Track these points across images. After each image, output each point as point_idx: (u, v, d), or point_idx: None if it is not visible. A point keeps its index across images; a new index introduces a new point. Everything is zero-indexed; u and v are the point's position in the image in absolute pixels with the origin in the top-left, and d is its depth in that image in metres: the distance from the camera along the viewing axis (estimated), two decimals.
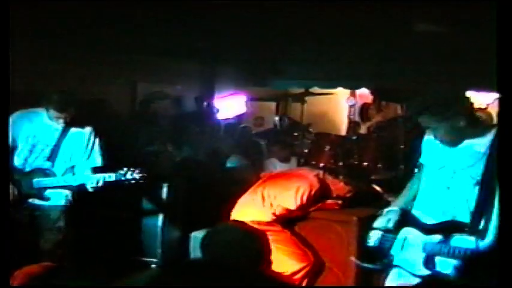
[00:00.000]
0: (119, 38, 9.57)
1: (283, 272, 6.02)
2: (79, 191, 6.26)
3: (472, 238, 4.09)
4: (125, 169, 5.91)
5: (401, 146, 9.14)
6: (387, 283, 4.59)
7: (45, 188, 6.14)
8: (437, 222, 4.34)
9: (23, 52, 8.07)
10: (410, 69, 11.40)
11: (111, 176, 5.94)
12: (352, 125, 13.60)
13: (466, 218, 4.19)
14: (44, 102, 6.06)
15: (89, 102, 9.37)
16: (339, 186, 6.50)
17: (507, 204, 3.33)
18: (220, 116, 12.36)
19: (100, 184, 5.94)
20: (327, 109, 15.41)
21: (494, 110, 16.23)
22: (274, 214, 6.26)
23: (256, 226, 6.19)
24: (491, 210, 4.09)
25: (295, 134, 12.17)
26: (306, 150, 10.09)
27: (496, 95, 15.78)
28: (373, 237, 4.60)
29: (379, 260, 4.53)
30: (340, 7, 8.24)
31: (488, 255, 4.00)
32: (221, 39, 10.45)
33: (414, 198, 4.62)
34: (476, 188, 4.17)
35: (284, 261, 6.08)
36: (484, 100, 16.14)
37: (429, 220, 4.38)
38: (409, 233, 4.44)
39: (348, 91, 15.05)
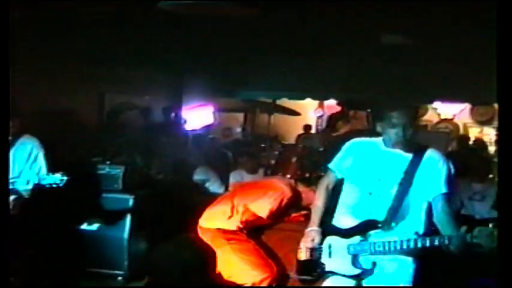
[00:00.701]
0: (87, 49, 9.53)
1: (245, 283, 6.04)
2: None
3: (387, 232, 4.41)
4: (46, 172, 5.93)
5: None
6: None
7: None
8: (354, 224, 4.55)
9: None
10: (378, 80, 11.47)
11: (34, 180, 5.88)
12: (319, 136, 13.65)
13: (381, 217, 4.45)
14: None
15: (56, 112, 9.33)
16: (310, 195, 6.50)
17: (507, 204, 3.36)
18: (188, 126, 12.32)
19: (27, 187, 5.92)
20: (294, 120, 15.46)
21: (460, 121, 16.45)
22: (241, 222, 6.26)
23: (221, 235, 6.20)
24: (405, 209, 4.44)
25: (262, 145, 12.19)
26: (273, 162, 10.12)
27: (462, 106, 16.01)
28: (302, 252, 4.80)
29: (313, 271, 4.74)
30: (309, 19, 8.28)
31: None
32: (189, 50, 10.44)
33: (328, 211, 4.83)
34: (395, 190, 4.44)
35: (247, 271, 6.09)
36: (450, 111, 16.32)
37: (352, 222, 4.58)
38: (331, 240, 4.66)
39: (316, 102, 15.13)
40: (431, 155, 4.54)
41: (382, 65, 11.00)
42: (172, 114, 12.51)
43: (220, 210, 6.42)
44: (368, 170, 4.58)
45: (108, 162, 8.21)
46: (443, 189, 4.43)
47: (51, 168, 6.18)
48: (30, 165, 6.19)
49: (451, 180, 4.49)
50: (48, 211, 7.28)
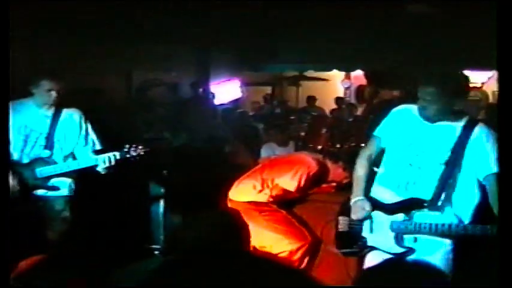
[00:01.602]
0: (113, 27, 9.58)
1: (281, 252, 6.08)
2: (82, 179, 6.24)
3: (433, 213, 4.26)
4: (127, 146, 5.87)
5: None
6: (367, 263, 4.60)
7: (50, 177, 6.07)
8: (398, 200, 4.43)
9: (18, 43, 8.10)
10: (405, 51, 11.43)
11: (115, 155, 5.80)
12: (349, 107, 13.64)
13: (426, 195, 4.30)
14: (30, 88, 6.00)
15: (85, 91, 9.40)
16: (338, 171, 6.51)
17: (507, 204, 3.35)
18: (216, 101, 12.37)
19: (110, 164, 5.89)
20: (322, 92, 15.43)
21: (490, 89, 16.33)
22: (271, 196, 6.30)
23: (252, 207, 6.24)
24: (452, 190, 4.27)
25: (292, 117, 12.21)
26: (303, 134, 10.14)
27: (490, 74, 15.88)
28: (342, 224, 4.74)
29: (354, 243, 4.65)
30: None
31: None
32: (215, 25, 10.46)
33: (368, 184, 4.68)
34: (442, 168, 4.28)
35: (281, 240, 6.13)
36: (479, 78, 16.18)
37: (391, 196, 4.47)
38: (373, 214, 4.54)
39: (342, 73, 15.09)
40: (481, 130, 4.29)
41: (408, 35, 10.96)
42: (200, 90, 12.56)
43: (251, 184, 6.45)
44: (411, 140, 4.44)
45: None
46: (496, 168, 4.14)
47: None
48: (84, 140, 6.13)
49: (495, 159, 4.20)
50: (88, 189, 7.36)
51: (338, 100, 14.68)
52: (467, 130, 4.30)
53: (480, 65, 12.83)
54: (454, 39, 10.82)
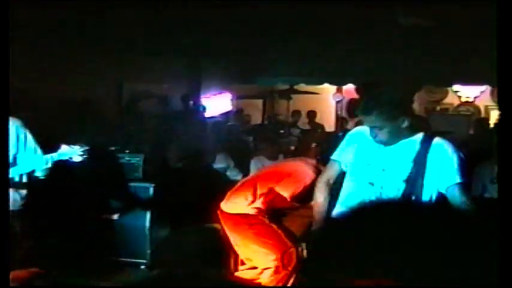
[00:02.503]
0: (105, 38, 9.53)
1: (267, 268, 6.02)
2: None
3: None
4: (65, 147, 5.87)
5: None
6: None
7: None
8: None
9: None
10: (396, 64, 11.39)
11: (53, 156, 5.82)
12: (340, 121, 13.60)
13: None
14: None
15: (75, 102, 9.34)
16: None
17: (507, 204, 3.32)
18: (207, 114, 12.31)
19: (48, 165, 5.88)
20: (313, 106, 15.40)
21: (482, 103, 16.32)
22: (263, 203, 6.23)
23: (243, 220, 6.18)
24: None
25: (282, 131, 12.18)
26: (292, 147, 10.09)
27: (482, 88, 15.88)
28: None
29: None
30: (326, 4, 8.23)
31: None
32: (207, 37, 10.42)
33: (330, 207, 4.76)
34: (403, 185, 4.34)
35: (268, 255, 6.06)
36: (472, 93, 16.18)
37: None
38: None
39: (334, 87, 15.07)
40: (440, 143, 4.44)
41: (400, 48, 10.92)
42: (191, 102, 12.51)
43: (243, 196, 6.39)
44: (369, 160, 4.50)
45: (127, 151, 8.21)
46: (458, 179, 4.31)
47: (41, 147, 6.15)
48: (23, 147, 6.12)
49: (464, 169, 4.39)
50: (69, 201, 7.30)
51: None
52: (426, 144, 4.40)
53: (472, 79, 12.83)
54: (446, 53, 10.79)
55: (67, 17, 8.29)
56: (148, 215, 7.70)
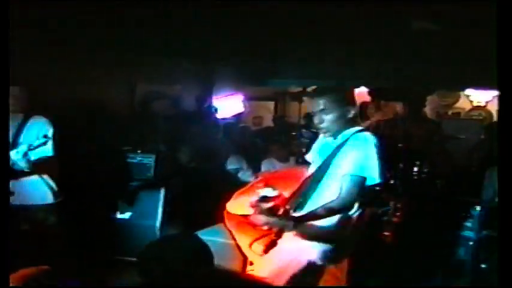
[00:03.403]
0: (117, 38, 9.55)
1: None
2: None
3: None
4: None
5: (400, 145, 9.14)
6: None
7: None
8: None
9: (20, 52, 8.08)
10: (409, 67, 11.38)
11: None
12: None
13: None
14: None
15: (88, 103, 9.37)
16: None
17: (507, 202, 3.32)
18: (219, 115, 12.32)
19: (22, 158, 5.98)
20: None
21: (493, 108, 16.27)
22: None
23: (247, 220, 6.18)
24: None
25: (293, 133, 12.17)
26: (303, 150, 10.09)
27: (494, 93, 15.83)
28: None
29: None
30: (339, 6, 8.23)
31: None
32: (219, 39, 10.43)
33: None
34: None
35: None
36: (483, 98, 16.13)
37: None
38: None
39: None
40: (359, 135, 4.73)
41: (412, 51, 10.90)
42: (203, 103, 12.52)
43: (248, 198, 6.40)
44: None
45: (139, 151, 8.24)
46: (352, 171, 4.60)
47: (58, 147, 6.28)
48: (38, 144, 6.25)
49: (366, 164, 4.59)
50: (80, 200, 7.33)
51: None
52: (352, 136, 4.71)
53: (484, 84, 12.79)
54: (459, 57, 10.77)
55: (80, 17, 8.32)
56: (159, 215, 7.73)
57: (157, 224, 7.70)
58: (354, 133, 4.75)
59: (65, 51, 9.27)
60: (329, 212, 4.66)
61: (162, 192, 7.76)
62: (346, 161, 4.62)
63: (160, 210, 7.74)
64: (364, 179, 4.59)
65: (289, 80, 13.60)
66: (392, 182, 7.86)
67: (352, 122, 4.80)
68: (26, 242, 6.13)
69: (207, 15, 8.67)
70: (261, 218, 4.77)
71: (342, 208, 4.65)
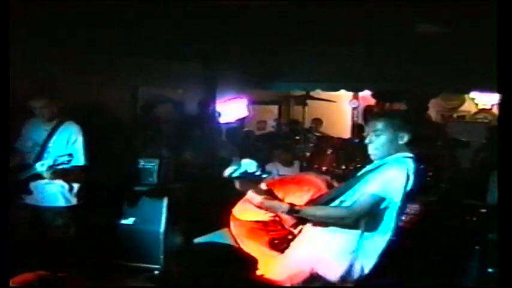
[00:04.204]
0: (120, 41, 9.51)
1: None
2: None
3: None
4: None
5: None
6: None
7: (27, 183, 6.31)
8: None
9: (21, 55, 8.05)
10: (413, 70, 11.32)
11: (49, 162, 6.06)
12: (356, 128, 13.52)
13: None
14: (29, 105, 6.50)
15: (90, 107, 9.33)
16: None
17: (507, 204, 3.30)
18: (222, 119, 12.27)
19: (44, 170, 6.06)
20: (329, 112, 15.34)
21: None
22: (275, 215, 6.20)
23: (259, 226, 6.12)
24: None
25: (297, 137, 12.11)
26: (308, 154, 10.04)
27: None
28: None
29: None
30: (342, 9, 8.19)
31: None
32: (222, 42, 10.40)
33: None
34: None
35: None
36: (488, 101, 16.05)
37: None
38: None
39: (350, 93, 14.99)
40: (396, 164, 4.63)
41: (417, 55, 10.85)
42: (207, 107, 12.47)
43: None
44: None
45: (142, 156, 8.21)
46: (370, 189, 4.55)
47: (89, 155, 6.34)
48: (67, 150, 6.31)
49: (394, 188, 4.53)
50: (84, 205, 7.29)
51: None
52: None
53: (490, 86, 12.73)
54: (464, 60, 10.71)
55: (80, 19, 8.29)
56: (163, 221, 7.69)
57: (161, 229, 7.65)
58: (401, 157, 4.63)
59: (66, 54, 9.24)
60: (329, 214, 4.71)
61: (166, 197, 7.70)
62: (376, 180, 4.52)
63: (164, 215, 7.68)
64: (383, 200, 4.50)
65: (292, 84, 13.55)
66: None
67: (401, 149, 4.67)
68: (32, 243, 6.18)
69: (210, 18, 8.64)
70: (255, 196, 4.74)
71: (344, 218, 4.59)
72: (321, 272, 4.75)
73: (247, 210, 6.33)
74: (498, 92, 3.57)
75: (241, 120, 13.11)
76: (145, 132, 9.96)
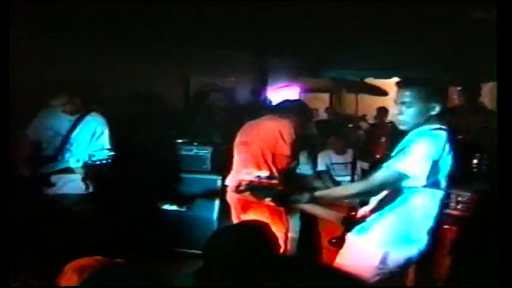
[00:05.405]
0: (171, 31, 9.56)
1: None
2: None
3: None
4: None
5: (460, 137, 8.96)
6: None
7: (49, 175, 6.23)
8: None
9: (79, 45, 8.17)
10: (465, 57, 11.19)
11: (84, 158, 5.98)
12: None
13: None
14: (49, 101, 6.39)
15: (143, 95, 9.40)
16: None
17: (507, 206, 3.26)
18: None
19: (79, 166, 6.03)
20: (381, 100, 15.24)
21: None
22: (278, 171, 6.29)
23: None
24: None
25: (350, 125, 12.07)
26: (361, 142, 10.00)
27: None
28: None
29: None
30: None
31: None
32: (273, 30, 10.38)
33: None
34: None
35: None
36: None
37: None
38: None
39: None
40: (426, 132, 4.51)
41: (472, 42, 10.71)
42: (258, 96, 12.48)
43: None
44: None
45: (195, 144, 8.25)
46: (400, 166, 4.38)
47: (115, 148, 6.27)
48: (93, 144, 6.28)
49: (418, 164, 4.36)
50: (138, 192, 7.35)
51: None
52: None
53: None
54: None
55: (134, 11, 8.35)
56: (216, 208, 7.72)
57: (215, 216, 7.69)
58: (429, 130, 4.39)
59: (119, 46, 9.32)
60: (351, 192, 4.60)
61: (219, 184, 7.73)
62: (403, 154, 4.30)
63: (217, 202, 7.72)
64: (405, 176, 4.27)
65: (344, 71, 13.47)
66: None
67: (433, 120, 4.43)
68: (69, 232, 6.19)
69: (261, 7, 8.63)
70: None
71: (365, 192, 4.48)
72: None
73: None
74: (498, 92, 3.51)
75: None
76: (198, 120, 10.01)
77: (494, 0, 3.50)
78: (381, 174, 4.33)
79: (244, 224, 4.50)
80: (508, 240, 3.18)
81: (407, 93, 4.41)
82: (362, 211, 4.64)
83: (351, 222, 4.68)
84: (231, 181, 6.62)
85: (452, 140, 4.35)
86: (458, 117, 9.19)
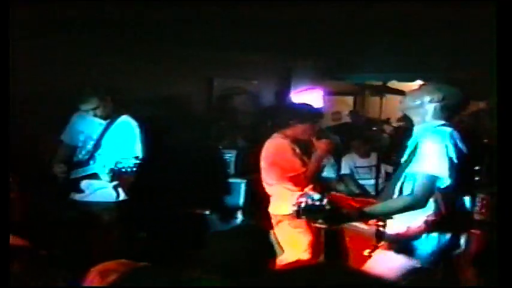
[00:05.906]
0: (194, 34, 9.58)
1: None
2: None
3: None
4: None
5: (485, 140, 8.90)
6: None
7: (79, 180, 6.24)
8: None
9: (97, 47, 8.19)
10: (488, 59, 11.10)
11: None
12: None
13: None
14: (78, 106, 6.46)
15: (166, 98, 9.43)
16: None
17: (507, 206, 3.25)
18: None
19: (107, 172, 6.05)
20: None
21: None
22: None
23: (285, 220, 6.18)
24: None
25: (374, 128, 12.02)
26: (385, 145, 9.96)
27: None
28: None
29: None
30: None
31: None
32: (297, 33, 10.37)
33: None
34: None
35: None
36: None
37: None
38: None
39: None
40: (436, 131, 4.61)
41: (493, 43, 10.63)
42: (282, 98, 12.48)
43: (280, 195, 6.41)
44: None
45: (220, 147, 8.26)
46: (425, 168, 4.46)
47: (147, 152, 6.29)
48: (123, 148, 6.28)
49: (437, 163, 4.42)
50: (161, 196, 7.37)
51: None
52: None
53: None
54: None
55: (156, 14, 8.37)
56: (240, 211, 7.72)
57: (238, 220, 7.71)
58: (433, 127, 4.57)
59: (143, 49, 9.35)
60: (400, 207, 4.54)
61: (243, 188, 7.74)
62: (421, 157, 4.42)
63: (241, 206, 7.73)
64: (436, 177, 4.36)
65: (368, 74, 13.44)
66: (477, 178, 7.66)
67: (437, 116, 4.64)
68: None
69: (286, 9, 8.63)
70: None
71: (414, 205, 4.45)
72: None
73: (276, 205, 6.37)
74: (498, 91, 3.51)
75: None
76: (221, 123, 10.02)
77: None
78: (419, 184, 4.37)
79: (241, 228, 4.52)
80: (508, 240, 3.18)
81: (418, 95, 4.70)
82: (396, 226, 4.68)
83: (381, 232, 4.71)
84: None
85: (460, 137, 4.50)
86: (484, 120, 9.17)
